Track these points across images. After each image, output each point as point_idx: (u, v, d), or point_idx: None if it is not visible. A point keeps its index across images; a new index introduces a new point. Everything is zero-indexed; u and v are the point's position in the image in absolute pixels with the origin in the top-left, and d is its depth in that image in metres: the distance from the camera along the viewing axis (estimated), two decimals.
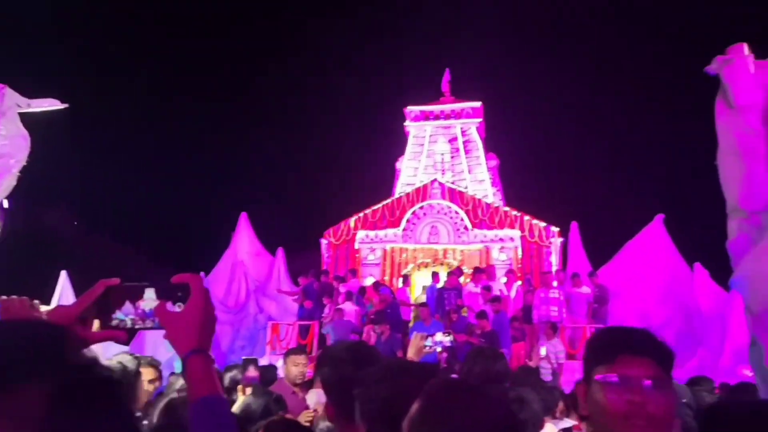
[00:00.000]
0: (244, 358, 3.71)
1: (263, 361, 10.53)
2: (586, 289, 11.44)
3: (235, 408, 2.88)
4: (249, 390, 3.10)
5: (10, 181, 2.20)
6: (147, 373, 3.14)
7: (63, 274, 12.83)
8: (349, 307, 11.46)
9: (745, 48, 2.10)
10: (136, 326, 1.15)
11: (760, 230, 1.98)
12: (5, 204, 14.51)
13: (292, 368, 4.28)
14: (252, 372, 3.52)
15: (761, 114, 2.05)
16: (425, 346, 2.93)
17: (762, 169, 2.00)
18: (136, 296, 1.14)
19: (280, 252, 16.70)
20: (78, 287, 12.98)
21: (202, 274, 15.40)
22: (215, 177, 28.20)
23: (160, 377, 3.21)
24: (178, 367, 11.38)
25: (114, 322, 1.12)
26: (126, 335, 1.13)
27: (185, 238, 25.40)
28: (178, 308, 1.14)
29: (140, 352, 11.53)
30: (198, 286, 1.13)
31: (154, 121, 27.83)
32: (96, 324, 1.12)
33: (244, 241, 16.78)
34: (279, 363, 11.43)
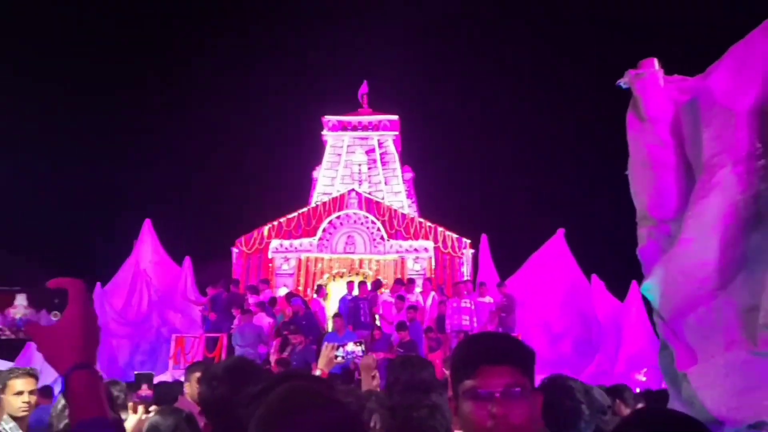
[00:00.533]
0: (136, 373, 3.37)
1: (165, 377, 9.91)
2: (489, 299, 11.81)
3: (134, 428, 2.60)
4: (141, 409, 2.81)
5: None
6: (20, 384, 2.78)
7: None
8: (263, 320, 11.07)
9: (656, 62, 2.19)
10: (2, 336, 0.97)
11: (668, 238, 2.06)
12: None
13: (195, 385, 3.94)
14: (145, 390, 3.21)
15: (670, 127, 2.14)
16: (336, 357, 2.89)
17: (671, 180, 2.08)
18: (6, 303, 0.98)
19: (187, 261, 15.88)
20: None
21: (98, 285, 14.33)
22: (116, 180, 26.49)
23: (39, 390, 2.84)
24: None
25: None
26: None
27: (82, 245, 23.57)
28: (54, 317, 0.98)
29: (28, 364, 10.46)
30: (77, 291, 1.00)
31: (52, 118, 25.74)
32: None
33: (147, 249, 15.81)
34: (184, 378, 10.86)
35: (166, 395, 3.72)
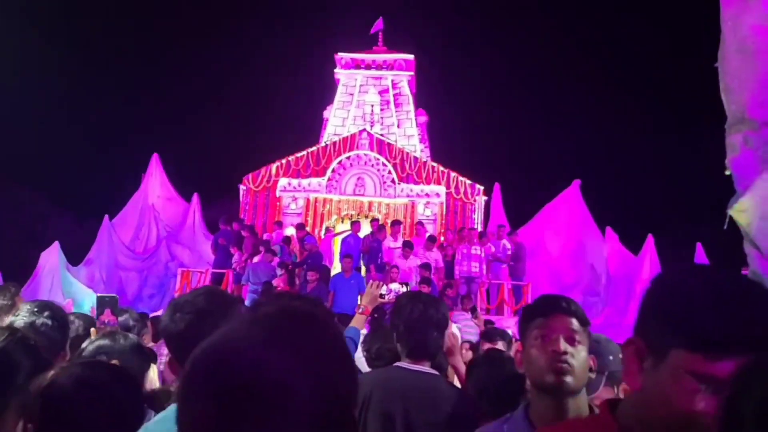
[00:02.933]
0: (98, 296, 3.15)
1: None
2: (506, 243, 11.59)
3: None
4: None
5: None
6: None
7: None
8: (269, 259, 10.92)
9: None
10: None
11: None
12: None
13: None
14: (108, 315, 2.99)
15: None
16: (382, 296, 2.82)
17: None
18: None
19: (195, 197, 15.76)
20: None
21: (106, 217, 14.25)
22: (124, 114, 26.04)
23: None
24: (87, 304, 10.34)
25: None
26: None
27: (89, 179, 23.43)
28: None
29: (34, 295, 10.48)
30: None
31: (61, 53, 25.07)
32: None
33: (155, 184, 15.68)
34: None
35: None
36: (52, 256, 12.05)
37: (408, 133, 16.96)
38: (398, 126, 16.99)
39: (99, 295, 2.69)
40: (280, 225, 13.18)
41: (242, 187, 15.47)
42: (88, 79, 25.96)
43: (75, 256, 13.19)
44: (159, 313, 8.66)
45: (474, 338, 4.85)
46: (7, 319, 2.07)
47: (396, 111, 17.17)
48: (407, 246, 10.40)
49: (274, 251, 10.79)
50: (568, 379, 1.48)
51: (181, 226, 15.46)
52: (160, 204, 15.63)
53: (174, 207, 15.87)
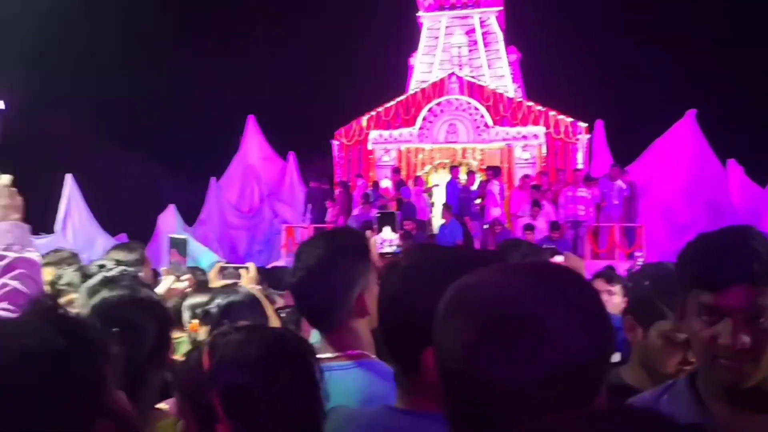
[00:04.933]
0: (171, 236, 3.21)
1: (280, 263, 10.36)
2: (620, 183, 10.86)
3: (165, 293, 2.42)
4: (172, 277, 2.65)
5: None
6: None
7: (68, 178, 12.49)
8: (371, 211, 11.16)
9: None
10: None
11: None
12: (1, 105, 13.90)
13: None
14: (175, 255, 3.07)
15: None
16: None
17: None
18: None
19: (291, 156, 16.25)
20: (86, 192, 12.70)
21: (213, 179, 15.08)
22: (221, 80, 27.05)
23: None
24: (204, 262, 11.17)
25: None
26: None
27: (193, 143, 24.82)
28: None
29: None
30: None
31: (158, 24, 26.30)
32: None
33: (253, 145, 16.33)
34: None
35: (279, 279, 3.71)
36: (169, 218, 13.00)
37: (499, 74, 16.19)
38: (488, 66, 16.25)
39: (171, 236, 2.76)
40: (360, 177, 13.37)
41: (335, 143, 15.65)
42: (184, 48, 27.12)
43: (189, 217, 14.12)
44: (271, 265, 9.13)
45: None
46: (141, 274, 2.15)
47: (485, 51, 16.39)
48: (536, 205, 10.08)
49: (371, 202, 10.95)
50: (748, 382, 1.09)
51: (281, 184, 16.09)
52: (259, 164, 16.29)
53: (272, 166, 16.50)
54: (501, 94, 14.94)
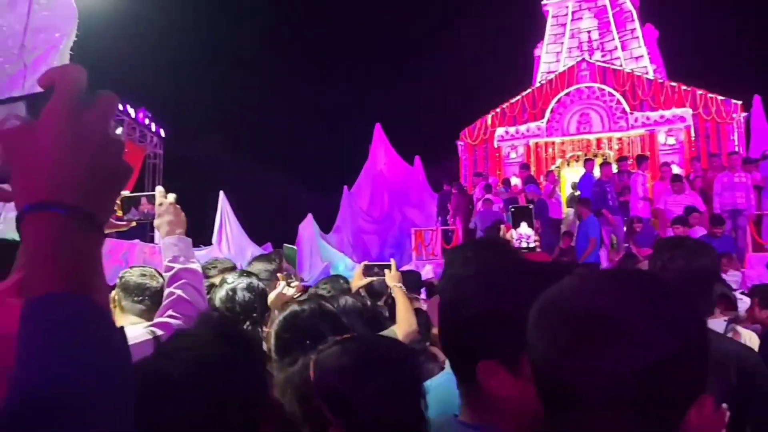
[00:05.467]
0: (285, 246, 3.24)
1: (410, 267, 10.55)
2: None
3: (273, 300, 2.49)
4: (282, 282, 2.73)
5: (62, 61, 1.91)
6: None
7: (221, 194, 13.78)
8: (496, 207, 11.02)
9: None
10: None
11: None
12: (162, 133, 15.69)
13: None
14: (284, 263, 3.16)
15: None
16: None
17: None
18: None
19: (417, 160, 16.44)
20: (236, 206, 13.92)
21: (345, 188, 15.77)
22: (348, 93, 28.24)
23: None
24: (341, 266, 11.82)
25: None
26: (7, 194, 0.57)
27: (327, 156, 26.16)
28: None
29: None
30: (66, 84, 0.54)
31: (288, 46, 28.23)
32: None
33: (380, 152, 16.76)
34: (426, 268, 11.45)
35: (408, 281, 3.71)
36: (308, 227, 13.79)
37: (635, 54, 14.99)
38: (623, 48, 15.12)
39: (286, 245, 2.89)
40: (480, 176, 13.05)
41: (460, 143, 15.55)
42: (314, 71, 28.78)
43: (326, 225, 14.88)
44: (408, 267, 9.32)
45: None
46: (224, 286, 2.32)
47: (618, 32, 15.27)
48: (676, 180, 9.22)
49: (491, 200, 10.80)
50: None
51: (409, 188, 16.33)
52: (387, 170, 16.68)
53: (399, 171, 16.81)
54: (639, 77, 13.82)
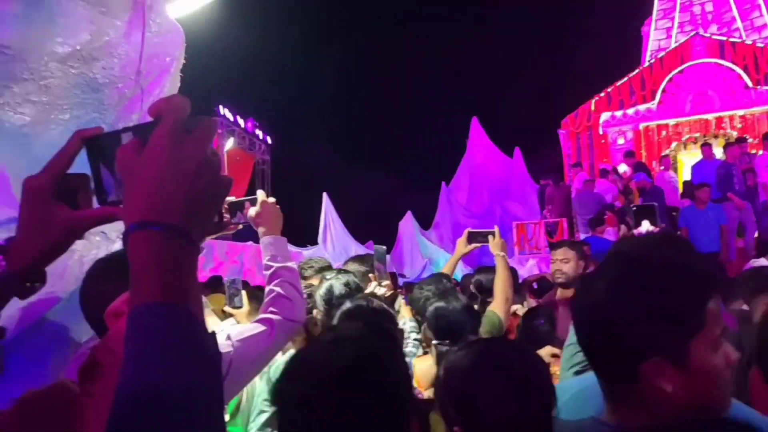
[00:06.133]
0: (376, 246, 3.20)
1: (512, 263, 10.34)
2: None
3: None
4: (374, 282, 2.75)
5: (173, 83, 2.11)
6: None
7: (324, 196, 14.33)
8: (605, 188, 10.40)
9: None
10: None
11: None
12: (269, 140, 16.56)
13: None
14: (378, 265, 3.15)
15: None
16: None
17: None
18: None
19: (517, 152, 16.01)
20: (339, 206, 14.41)
21: (443, 184, 15.74)
22: (443, 87, 28.15)
23: None
24: (442, 262, 11.89)
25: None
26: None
27: (424, 153, 26.26)
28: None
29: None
30: (171, 113, 0.61)
31: (385, 48, 28.71)
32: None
33: (478, 145, 16.53)
34: (530, 263, 11.14)
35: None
36: (408, 224, 13.95)
37: (757, 24, 13.56)
38: (741, 19, 13.72)
39: (376, 246, 2.90)
40: (578, 166, 12.36)
41: (561, 132, 14.93)
42: (407, 69, 28.98)
43: (425, 221, 14.97)
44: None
45: None
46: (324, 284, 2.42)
47: (735, 1, 13.89)
48: None
49: (592, 180, 10.23)
50: None
51: (509, 181, 15.95)
52: (485, 163, 16.42)
53: (498, 164, 16.47)
54: (762, 48, 12.48)
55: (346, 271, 2.57)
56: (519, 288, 4.58)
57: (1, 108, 2.02)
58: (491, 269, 3.27)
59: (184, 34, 2.20)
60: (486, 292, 3.55)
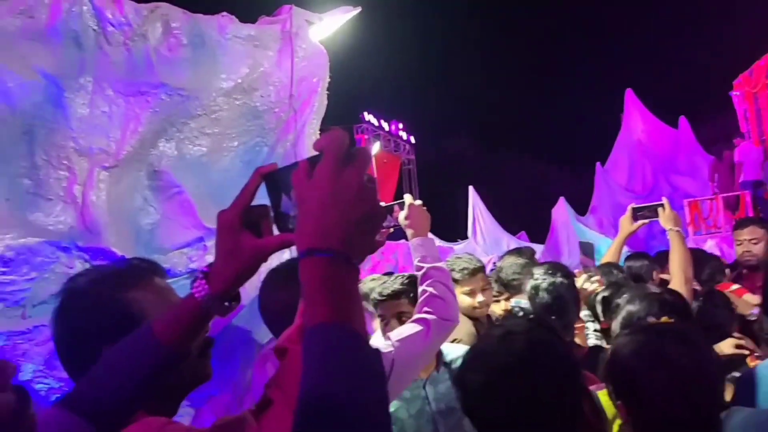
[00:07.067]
0: (581, 241, 2.90)
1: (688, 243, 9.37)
2: None
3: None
4: (584, 277, 2.53)
5: (321, 101, 2.26)
6: None
7: (471, 189, 14.24)
8: None
9: None
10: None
11: None
12: (412, 140, 16.96)
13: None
14: (585, 259, 2.84)
15: None
16: None
17: None
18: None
19: (682, 121, 14.45)
20: (486, 198, 14.25)
21: (598, 164, 14.73)
22: (590, 63, 26.37)
23: None
24: (603, 249, 11.02)
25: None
26: None
27: (573, 133, 24.83)
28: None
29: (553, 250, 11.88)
30: (332, 147, 0.68)
31: (523, 25, 27.79)
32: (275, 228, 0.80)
33: (635, 119, 15.22)
34: (708, 244, 9.96)
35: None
36: (562, 211, 13.28)
37: None
38: None
39: (581, 241, 2.71)
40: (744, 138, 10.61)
41: (735, 94, 13.14)
42: (552, 45, 27.66)
43: (580, 206, 14.17)
44: None
45: None
46: (529, 282, 2.33)
47: None
48: None
49: None
50: None
51: (675, 154, 14.49)
52: (645, 138, 15.10)
53: (662, 137, 15.05)
54: None
55: (554, 270, 2.36)
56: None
57: (182, 142, 2.35)
58: (641, 255, 2.99)
59: (327, 55, 2.37)
60: (639, 279, 3.24)
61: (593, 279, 2.56)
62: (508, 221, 14.11)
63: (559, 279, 2.23)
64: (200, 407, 2.22)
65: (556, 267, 2.37)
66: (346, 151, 0.68)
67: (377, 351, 0.65)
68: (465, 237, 13.55)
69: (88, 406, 0.78)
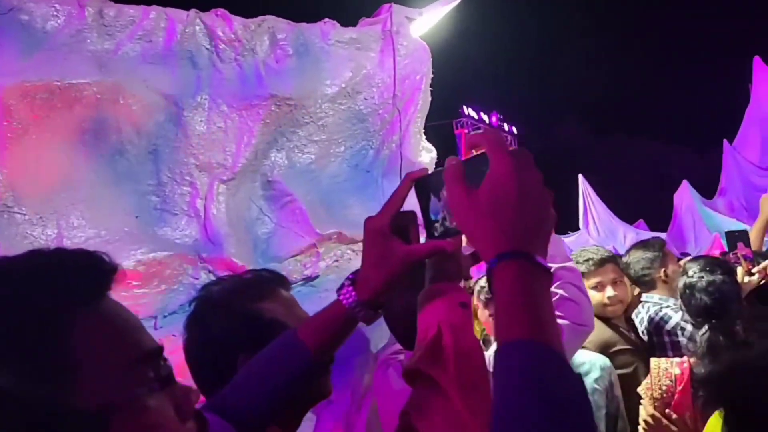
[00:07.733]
0: (727, 231, 2.55)
1: None
2: None
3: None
4: (740, 269, 2.20)
5: (424, 99, 2.18)
6: None
7: (580, 178, 13.55)
8: None
9: None
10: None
11: None
12: (515, 130, 16.60)
13: None
14: (742, 248, 2.44)
15: None
16: None
17: None
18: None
19: None
20: (597, 186, 13.51)
21: (725, 142, 13.41)
22: (709, 34, 24.08)
23: None
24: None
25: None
26: (453, 244, 0.74)
27: (695, 111, 22.81)
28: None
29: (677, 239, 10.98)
30: (497, 147, 0.62)
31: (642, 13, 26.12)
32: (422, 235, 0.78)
33: (766, 89, 13.67)
34: None
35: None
36: (685, 195, 12.28)
37: None
38: None
39: (727, 230, 2.39)
40: None
41: None
42: (669, 18, 25.65)
43: (707, 189, 13.06)
44: None
45: None
46: (681, 280, 2.09)
47: None
48: None
49: None
50: None
51: None
52: None
53: None
54: None
55: (713, 268, 2.12)
56: None
57: (292, 151, 2.40)
58: None
59: (429, 50, 2.31)
60: None
61: (755, 270, 2.25)
62: (624, 210, 13.27)
63: (719, 277, 1.97)
64: (321, 413, 2.25)
65: (714, 263, 2.12)
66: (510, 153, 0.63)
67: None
68: (577, 228, 12.94)
69: (233, 411, 0.78)
